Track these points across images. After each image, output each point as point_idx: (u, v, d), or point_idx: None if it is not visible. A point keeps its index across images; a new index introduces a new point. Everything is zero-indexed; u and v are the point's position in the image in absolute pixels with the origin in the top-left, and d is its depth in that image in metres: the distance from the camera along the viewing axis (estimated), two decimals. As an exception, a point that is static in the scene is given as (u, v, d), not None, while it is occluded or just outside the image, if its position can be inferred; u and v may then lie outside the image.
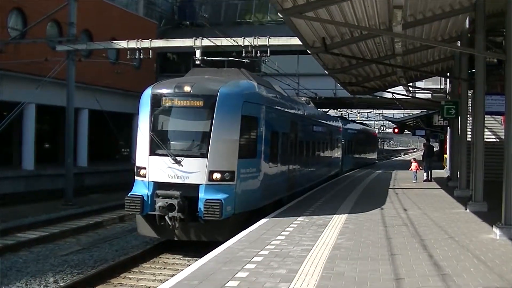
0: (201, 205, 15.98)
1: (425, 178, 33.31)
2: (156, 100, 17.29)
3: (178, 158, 16.53)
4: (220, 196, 16.10)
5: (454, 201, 22.36)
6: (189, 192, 16.24)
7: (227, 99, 17.02)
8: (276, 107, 20.78)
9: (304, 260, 11.22)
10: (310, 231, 14.78)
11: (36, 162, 36.69)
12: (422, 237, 14.08)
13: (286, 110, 22.27)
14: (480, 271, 10.48)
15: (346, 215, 17.96)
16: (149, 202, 16.49)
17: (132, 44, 30.60)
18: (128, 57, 31.20)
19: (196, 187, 16.34)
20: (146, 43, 30.47)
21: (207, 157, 16.50)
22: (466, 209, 19.19)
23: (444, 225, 16.22)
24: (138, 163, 17.29)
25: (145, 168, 16.96)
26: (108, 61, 40.31)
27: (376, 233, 14.72)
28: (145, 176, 16.92)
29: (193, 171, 16.48)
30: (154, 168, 16.82)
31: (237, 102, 17.31)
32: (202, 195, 16.20)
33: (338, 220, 16.72)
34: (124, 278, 14.90)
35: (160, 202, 16.09)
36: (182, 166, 16.50)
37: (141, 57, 30.87)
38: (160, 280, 14.21)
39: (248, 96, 17.97)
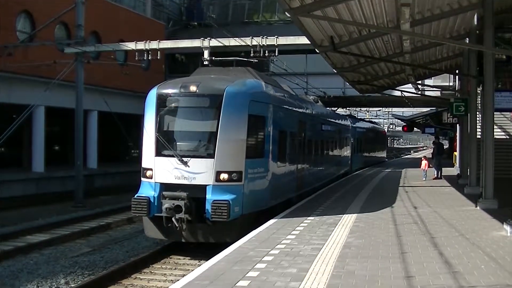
0: (208, 206, 15.73)
1: (435, 176, 33.28)
2: (161, 101, 17.11)
3: (185, 159, 16.29)
4: (228, 197, 15.84)
5: (464, 198, 22.31)
6: (196, 193, 16.00)
7: (233, 99, 16.76)
8: (284, 106, 20.54)
9: (314, 259, 11.22)
10: (320, 230, 14.78)
11: (46, 164, 36.85)
12: (432, 235, 14.06)
13: (294, 109, 22.12)
14: (491, 269, 10.46)
15: (356, 213, 17.96)
16: (155, 204, 16.27)
17: (140, 45, 30.66)
18: (136, 58, 31.26)
19: (203, 188, 16.10)
20: (154, 44, 30.52)
21: (214, 158, 16.23)
22: (476, 207, 19.16)
23: (454, 222, 16.18)
24: (144, 164, 17.07)
25: (151, 169, 16.75)
26: (117, 63, 40.36)
27: (386, 231, 14.70)
28: (151, 178, 16.70)
29: (200, 171, 16.23)
30: (160, 169, 16.60)
31: (243, 101, 17.05)
32: (209, 196, 15.95)
33: (348, 219, 16.71)
34: (135, 279, 14.91)
35: (166, 204, 15.85)
36: (189, 166, 16.25)
37: (149, 58, 30.93)
38: (171, 280, 14.23)
39: (255, 95, 17.71)
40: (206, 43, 28.40)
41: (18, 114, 27.99)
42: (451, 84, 41.81)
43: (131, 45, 31.37)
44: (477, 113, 24.68)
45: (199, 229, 16.26)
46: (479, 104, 25.37)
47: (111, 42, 34.72)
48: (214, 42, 28.46)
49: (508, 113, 30.09)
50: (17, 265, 16.44)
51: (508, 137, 31.95)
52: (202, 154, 16.56)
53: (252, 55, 27.39)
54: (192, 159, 16.34)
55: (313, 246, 12.58)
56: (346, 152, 39.07)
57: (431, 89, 40.65)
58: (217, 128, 16.36)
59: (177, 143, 16.85)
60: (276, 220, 16.56)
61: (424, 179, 32.53)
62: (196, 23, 53.25)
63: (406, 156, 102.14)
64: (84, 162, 35.78)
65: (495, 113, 20.09)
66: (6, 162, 36.29)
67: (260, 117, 17.63)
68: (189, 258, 16.96)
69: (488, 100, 19.21)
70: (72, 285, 14.31)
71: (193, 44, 29.95)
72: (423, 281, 9.48)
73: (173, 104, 17.10)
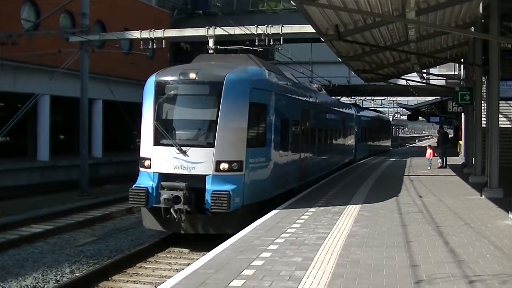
0: (208, 197, 15.29)
1: (440, 164, 33.25)
2: (160, 88, 16.65)
3: (184, 148, 15.82)
4: (228, 187, 15.39)
5: (469, 187, 22.29)
6: (195, 183, 15.50)
7: (234, 86, 16.28)
8: (286, 94, 20.14)
9: (319, 248, 11.23)
10: (325, 219, 14.78)
11: (51, 153, 36.95)
12: (437, 224, 14.05)
13: (296, 97, 21.69)
14: (496, 258, 10.45)
15: (361, 202, 17.95)
16: (154, 194, 15.80)
17: (145, 34, 30.61)
18: (141, 47, 31.21)
19: (202, 178, 15.63)
20: (159, 33, 30.47)
21: (213, 147, 15.76)
22: (481, 195, 19.14)
23: (459, 211, 16.17)
24: (143, 153, 16.61)
25: (149, 159, 16.30)
26: (122, 52, 40.36)
27: (391, 220, 14.70)
28: (149, 167, 16.27)
29: (199, 161, 15.76)
30: (158, 159, 16.16)
31: (244, 89, 16.55)
32: (209, 186, 15.50)
33: (353, 208, 16.70)
34: (140, 267, 14.95)
35: (165, 194, 15.36)
36: (188, 156, 15.79)
37: (154, 47, 30.86)
38: (176, 269, 14.26)
39: (257, 83, 17.23)
40: (211, 31, 28.41)
41: (23, 103, 28.00)
42: (456, 73, 41.76)
43: (136, 34, 31.32)
44: (482, 102, 24.64)
45: (199, 220, 15.83)
46: (484, 93, 25.34)
47: (116, 31, 34.64)
48: (219, 31, 28.44)
49: (514, 102, 30.01)
50: (22, 254, 16.52)
51: (513, 126, 31.88)
52: (201, 143, 16.12)
53: (257, 43, 27.33)
54: (191, 148, 15.90)
55: (318, 235, 12.58)
56: (350, 141, 38.81)
57: (436, 78, 40.60)
58: (217, 117, 15.90)
59: (176, 132, 16.45)
60: (278, 210, 16.43)
61: (429, 168, 32.51)
62: (201, 11, 53.08)
63: (411, 145, 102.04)
64: (89, 151, 35.84)
65: (500, 102, 20.03)
66: (11, 151, 36.36)
67: (261, 105, 17.17)
68: (194, 247, 16.93)
69: (493, 89, 19.16)
70: (77, 274, 14.34)
71: (198, 32, 29.96)
72: (428, 270, 9.47)
73: (172, 92, 16.67)
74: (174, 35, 32.61)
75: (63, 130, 44.59)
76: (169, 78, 16.83)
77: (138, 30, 31.29)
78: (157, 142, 16.31)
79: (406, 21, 18.98)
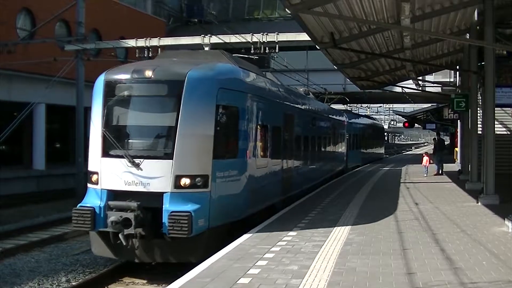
0: (165, 219, 12.91)
1: (436, 172, 33.25)
2: (110, 89, 14.33)
3: (137, 160, 13.49)
4: (190, 207, 13.04)
5: (465, 194, 22.28)
6: (150, 202, 13.20)
7: (197, 85, 13.94)
8: (265, 96, 17.58)
9: (316, 256, 11.21)
10: (321, 227, 14.73)
11: (47, 161, 36.88)
12: (434, 231, 14.04)
13: (278, 100, 19.43)
14: (492, 265, 10.45)
15: (357, 210, 17.94)
16: (101, 216, 13.43)
17: (141, 42, 30.66)
18: (137, 55, 31.19)
19: (159, 195, 13.30)
20: (154, 41, 30.51)
21: (172, 159, 13.39)
22: (477, 202, 19.13)
23: (455, 218, 16.17)
24: (90, 166, 14.38)
25: (97, 173, 13.98)
26: (117, 60, 40.33)
27: (387, 227, 14.69)
28: (97, 183, 13.93)
29: (155, 176, 13.40)
30: (107, 173, 13.82)
31: (210, 89, 14.11)
32: (167, 206, 13.15)
33: (349, 216, 16.68)
34: (136, 276, 14.87)
35: (112, 216, 12.99)
36: (142, 169, 13.46)
37: (150, 55, 30.86)
38: (173, 278, 14.20)
39: (226, 82, 14.76)
40: (206, 40, 28.45)
41: (18, 111, 27.98)
42: (451, 80, 41.89)
43: (131, 42, 31.37)
44: (478, 108, 24.67)
45: (156, 246, 13.52)
46: (480, 100, 25.36)
47: (112, 39, 34.70)
48: (215, 39, 28.48)
49: (509, 108, 30.06)
50: (18, 263, 16.44)
51: (509, 132, 31.91)
52: (158, 154, 13.78)
53: (252, 51, 27.36)
54: (145, 160, 13.54)
55: (314, 243, 12.57)
56: (341, 148, 37.35)
57: (432, 85, 40.72)
58: (177, 122, 13.54)
59: (128, 140, 14.11)
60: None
61: (425, 175, 32.52)
62: (196, 20, 53.20)
63: (407, 152, 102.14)
64: (85, 159, 35.70)
65: (495, 108, 20.08)
66: (7, 160, 36.27)
67: (232, 108, 14.82)
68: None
69: (488, 95, 19.20)
70: (73, 283, 14.28)
71: (193, 41, 29.96)
72: (424, 278, 9.47)
73: (124, 93, 14.27)
74: (169, 43, 32.60)
75: (59, 139, 44.51)
76: (120, 77, 14.52)
77: (133, 38, 31.34)
78: (105, 153, 14.03)
79: (401, 29, 19.04)
